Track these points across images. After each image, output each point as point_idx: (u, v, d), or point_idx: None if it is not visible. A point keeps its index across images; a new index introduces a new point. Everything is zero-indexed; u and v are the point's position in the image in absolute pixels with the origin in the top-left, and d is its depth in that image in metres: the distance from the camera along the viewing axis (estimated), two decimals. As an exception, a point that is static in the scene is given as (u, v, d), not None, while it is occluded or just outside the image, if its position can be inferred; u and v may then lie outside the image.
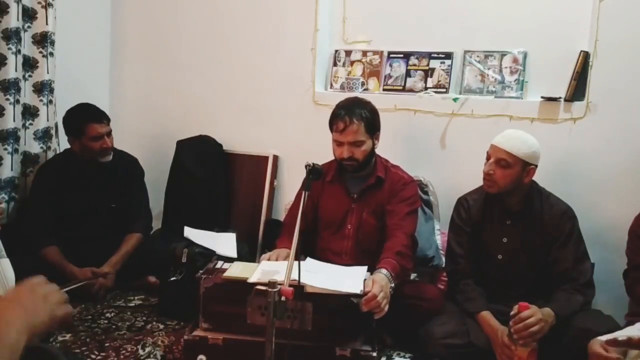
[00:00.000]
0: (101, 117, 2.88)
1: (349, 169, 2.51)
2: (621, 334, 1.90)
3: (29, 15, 2.99)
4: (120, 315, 2.67)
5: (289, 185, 3.29)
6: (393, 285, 2.15)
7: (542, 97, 2.82)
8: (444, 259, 2.76)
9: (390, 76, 3.18)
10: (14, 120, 2.92)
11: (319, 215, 2.60)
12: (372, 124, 2.47)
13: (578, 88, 2.76)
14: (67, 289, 1.77)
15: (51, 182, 2.88)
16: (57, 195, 2.87)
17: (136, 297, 2.88)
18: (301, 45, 3.27)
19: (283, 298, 1.57)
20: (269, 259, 2.32)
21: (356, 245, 2.52)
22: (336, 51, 3.30)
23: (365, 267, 2.26)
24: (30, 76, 3.04)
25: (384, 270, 2.17)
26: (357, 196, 2.54)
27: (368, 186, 2.53)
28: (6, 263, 1.53)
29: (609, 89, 2.70)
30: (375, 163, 2.56)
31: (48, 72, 3.06)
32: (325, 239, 2.58)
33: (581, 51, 2.74)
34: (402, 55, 3.17)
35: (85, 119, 2.83)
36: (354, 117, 2.41)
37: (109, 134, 2.90)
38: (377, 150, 2.58)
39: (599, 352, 1.83)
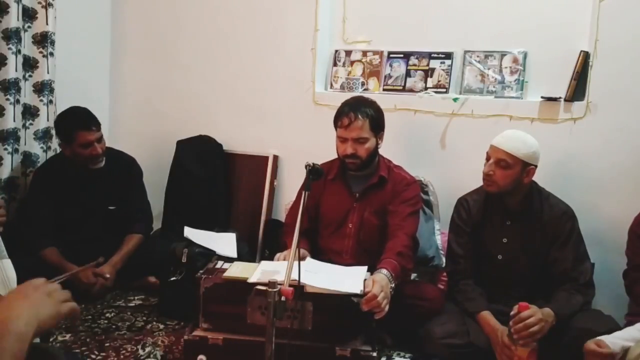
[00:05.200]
0: (90, 124, 2.80)
1: (351, 167, 2.51)
2: (621, 334, 1.92)
3: (29, 15, 2.98)
4: (120, 315, 2.67)
5: (289, 185, 3.29)
6: (393, 285, 2.15)
7: (542, 97, 2.82)
8: (444, 259, 2.76)
9: (390, 76, 3.18)
10: (14, 120, 2.92)
11: (320, 213, 2.60)
12: (377, 123, 2.48)
13: (578, 88, 2.76)
14: (61, 278, 1.77)
15: (48, 183, 2.87)
16: (54, 197, 2.86)
17: (136, 297, 2.89)
18: (301, 45, 3.27)
19: (283, 298, 1.57)
20: (284, 259, 2.31)
21: (357, 245, 2.53)
22: (336, 51, 3.30)
23: (366, 267, 2.26)
24: (30, 76, 3.03)
25: (384, 271, 2.17)
26: (359, 195, 2.55)
27: (370, 185, 2.53)
28: (8, 263, 1.54)
29: (609, 89, 2.70)
30: (378, 163, 2.57)
31: (48, 72, 3.06)
32: (326, 238, 2.59)
33: (581, 51, 2.74)
34: (402, 55, 3.17)
35: (73, 126, 2.78)
36: (359, 113, 2.44)
37: (100, 140, 2.84)
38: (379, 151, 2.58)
39: (592, 349, 1.85)
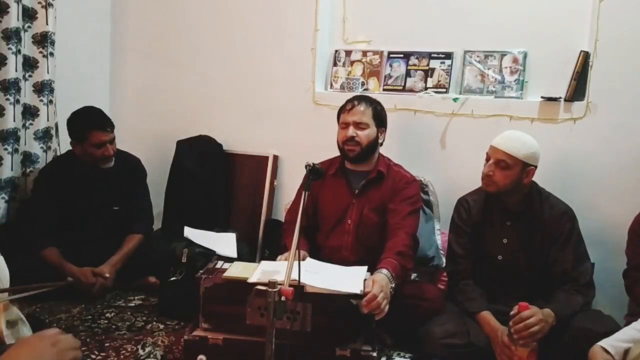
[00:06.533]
0: (105, 124, 2.83)
1: (350, 155, 2.52)
2: (620, 337, 1.92)
3: (29, 15, 2.99)
4: (120, 315, 2.67)
5: (289, 185, 3.29)
6: (393, 285, 2.15)
7: (542, 97, 2.82)
8: (444, 259, 2.76)
9: (390, 76, 3.18)
10: (14, 120, 2.92)
11: (319, 210, 2.61)
12: (379, 116, 2.56)
13: (578, 88, 2.76)
14: (58, 285, 1.77)
15: (53, 184, 2.87)
16: (58, 198, 2.86)
17: (136, 297, 2.88)
18: (301, 45, 3.27)
19: (283, 298, 1.57)
20: (285, 260, 2.31)
21: (356, 241, 2.53)
22: (336, 51, 3.30)
23: (366, 267, 2.26)
24: (30, 76, 3.04)
25: (384, 271, 2.17)
26: (358, 191, 2.55)
27: (369, 181, 2.54)
28: (0, 261, 1.54)
29: (609, 89, 2.70)
30: (378, 159, 2.58)
31: (48, 72, 3.06)
32: (325, 234, 2.59)
33: (581, 51, 2.74)
34: (402, 55, 3.17)
35: (89, 126, 2.80)
36: (363, 101, 2.55)
37: (112, 141, 2.87)
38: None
39: None
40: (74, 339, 1.19)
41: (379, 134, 2.55)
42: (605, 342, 1.90)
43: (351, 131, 2.49)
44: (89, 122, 2.82)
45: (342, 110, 2.58)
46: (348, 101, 2.57)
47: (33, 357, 1.07)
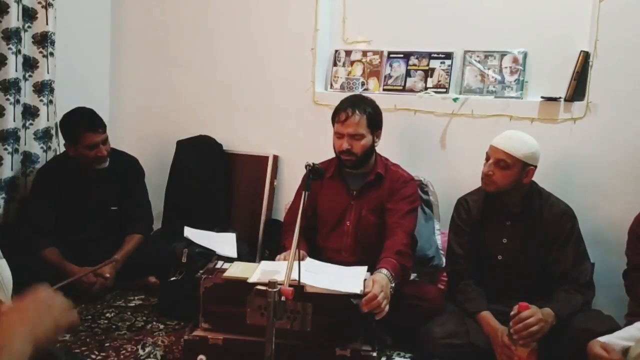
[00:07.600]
0: (96, 125, 2.82)
1: (347, 164, 2.51)
2: (621, 334, 1.92)
3: (29, 15, 2.98)
4: (120, 315, 2.67)
5: (289, 185, 3.29)
6: (393, 285, 2.15)
7: (542, 97, 2.82)
8: (444, 259, 2.76)
9: (390, 76, 3.18)
10: (14, 120, 2.92)
11: (317, 212, 2.60)
12: (374, 120, 2.49)
13: (578, 88, 2.76)
14: (63, 283, 1.77)
15: (51, 183, 2.87)
16: (57, 197, 2.86)
17: (136, 297, 2.88)
18: (301, 45, 3.27)
19: (283, 298, 1.57)
20: (284, 259, 2.31)
21: (355, 242, 2.53)
22: (336, 51, 3.30)
23: (366, 267, 2.26)
24: (30, 76, 3.03)
25: (384, 270, 2.17)
26: (356, 193, 2.55)
27: (368, 183, 2.54)
28: (3, 264, 1.53)
29: (609, 89, 2.70)
30: (375, 161, 2.57)
31: (48, 72, 3.06)
32: (324, 236, 2.59)
33: (581, 51, 2.74)
34: (402, 55, 3.17)
35: (80, 127, 2.79)
36: (357, 109, 2.46)
37: (105, 141, 2.85)
38: (378, 150, 2.59)
39: (600, 354, 1.84)
40: (66, 299, 1.13)
41: (375, 139, 2.52)
42: (604, 339, 1.91)
43: (346, 143, 2.45)
44: (80, 124, 2.80)
45: (336, 118, 2.50)
46: (342, 109, 2.47)
47: (26, 325, 1.02)
